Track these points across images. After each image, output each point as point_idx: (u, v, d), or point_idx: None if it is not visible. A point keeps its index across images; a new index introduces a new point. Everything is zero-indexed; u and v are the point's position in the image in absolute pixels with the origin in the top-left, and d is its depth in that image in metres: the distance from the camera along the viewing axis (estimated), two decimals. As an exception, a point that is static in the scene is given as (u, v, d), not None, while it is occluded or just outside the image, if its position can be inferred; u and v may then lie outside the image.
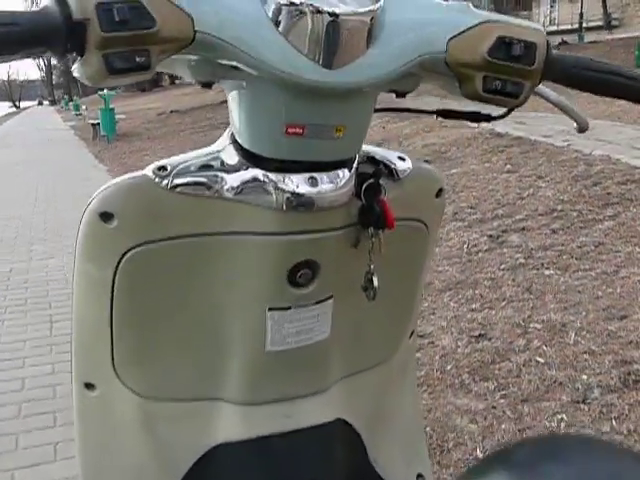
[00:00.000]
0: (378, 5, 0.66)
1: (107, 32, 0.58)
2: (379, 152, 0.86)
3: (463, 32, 0.72)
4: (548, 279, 3.18)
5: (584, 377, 2.31)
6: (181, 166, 0.76)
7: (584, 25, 26.08)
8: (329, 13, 0.63)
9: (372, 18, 0.66)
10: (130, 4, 0.59)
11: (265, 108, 0.70)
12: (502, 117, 0.81)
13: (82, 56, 0.60)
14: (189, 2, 0.63)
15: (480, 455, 1.99)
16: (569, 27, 27.55)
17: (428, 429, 2.13)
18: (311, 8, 0.63)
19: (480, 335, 2.73)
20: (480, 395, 2.32)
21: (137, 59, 0.61)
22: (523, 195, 4.56)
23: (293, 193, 0.74)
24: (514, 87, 0.74)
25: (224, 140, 0.79)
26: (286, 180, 0.74)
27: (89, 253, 0.78)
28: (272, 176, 0.74)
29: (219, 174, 0.75)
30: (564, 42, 21.02)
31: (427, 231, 0.90)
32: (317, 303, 0.82)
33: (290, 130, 0.71)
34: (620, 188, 4.27)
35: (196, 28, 0.63)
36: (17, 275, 4.25)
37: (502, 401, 2.26)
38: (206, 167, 0.76)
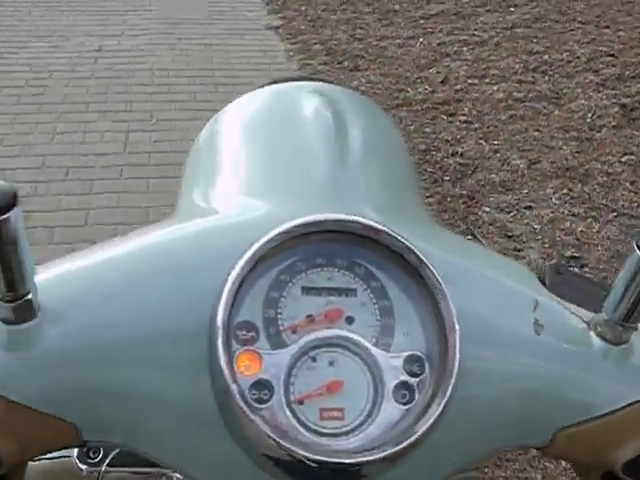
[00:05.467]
0: (418, 434, 0.37)
1: None
2: None
3: (587, 421, 0.42)
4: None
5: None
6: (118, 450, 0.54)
7: None
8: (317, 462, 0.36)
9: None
10: None
11: None
12: None
13: None
14: (65, 407, 0.38)
15: None
16: None
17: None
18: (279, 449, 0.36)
19: (573, 257, 2.44)
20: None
21: None
22: (679, 51, 3.86)
23: None
24: None
25: None
26: None
27: None
28: None
29: (160, 474, 0.53)
30: None
31: None
32: None
33: None
34: None
35: (85, 438, 0.39)
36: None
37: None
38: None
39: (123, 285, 0.39)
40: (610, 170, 2.92)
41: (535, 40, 4.08)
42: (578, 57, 3.86)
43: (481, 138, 3.13)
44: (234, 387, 0.36)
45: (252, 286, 0.39)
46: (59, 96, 3.45)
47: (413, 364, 0.39)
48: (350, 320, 0.39)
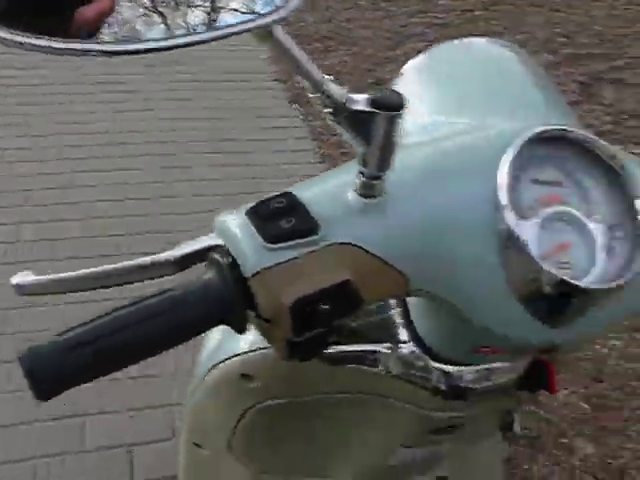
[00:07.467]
0: (627, 278, 0.51)
1: (297, 336, 0.47)
2: None
3: None
4: (634, 159, 2.98)
5: None
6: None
7: None
8: (573, 285, 0.50)
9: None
10: (334, 293, 0.46)
11: (460, 329, 0.58)
12: None
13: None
14: (404, 261, 0.49)
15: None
16: None
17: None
18: (552, 277, 0.50)
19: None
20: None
21: (328, 339, 0.50)
22: (627, 32, 4.12)
23: (459, 387, 0.65)
24: None
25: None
26: (457, 373, 0.64)
27: (219, 403, 0.75)
28: (444, 367, 0.64)
29: (383, 351, 0.65)
30: None
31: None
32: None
33: (483, 350, 0.60)
34: None
35: (409, 287, 0.50)
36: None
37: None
38: (368, 333, 0.66)
39: (432, 181, 0.52)
40: (575, 141, 3.13)
41: (494, 22, 4.29)
42: (536, 38, 4.08)
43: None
44: (523, 239, 0.49)
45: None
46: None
47: (613, 230, 0.53)
48: (564, 202, 0.53)
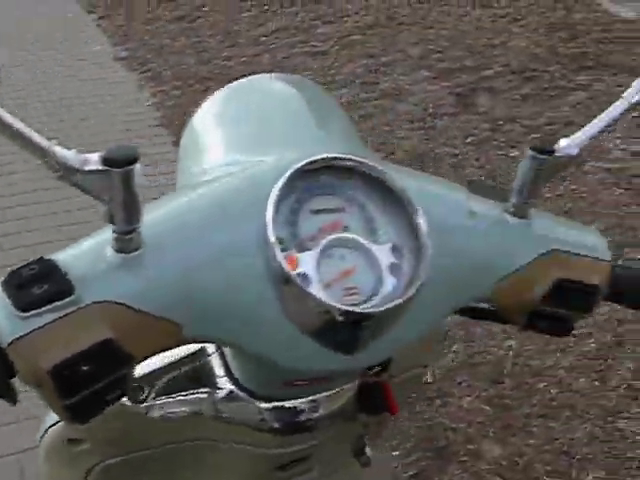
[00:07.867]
0: (410, 293, 0.52)
1: (67, 399, 0.45)
2: None
3: (513, 272, 0.59)
4: (513, 162, 3.11)
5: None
6: (160, 383, 0.64)
7: None
8: (353, 313, 0.50)
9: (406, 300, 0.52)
10: (96, 353, 0.45)
11: (264, 366, 0.58)
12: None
13: None
14: (173, 310, 0.48)
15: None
16: None
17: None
18: (330, 308, 0.49)
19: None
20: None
21: (108, 397, 0.48)
22: (495, 42, 4.30)
23: (292, 422, 0.64)
24: (561, 324, 0.63)
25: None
26: (282, 410, 0.64)
27: (55, 470, 0.70)
28: (266, 405, 0.64)
29: (204, 395, 0.64)
30: None
31: (426, 370, 0.83)
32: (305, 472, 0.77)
33: (295, 383, 0.60)
34: (598, 47, 4.06)
35: (185, 334, 0.50)
36: None
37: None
38: (190, 381, 0.65)
39: (198, 224, 0.51)
40: (457, 152, 3.24)
41: (369, 45, 4.40)
42: (411, 56, 4.21)
43: (339, 138, 3.36)
44: (294, 274, 0.49)
45: (278, 213, 0.51)
46: None
47: (396, 251, 0.54)
48: (346, 228, 0.54)
